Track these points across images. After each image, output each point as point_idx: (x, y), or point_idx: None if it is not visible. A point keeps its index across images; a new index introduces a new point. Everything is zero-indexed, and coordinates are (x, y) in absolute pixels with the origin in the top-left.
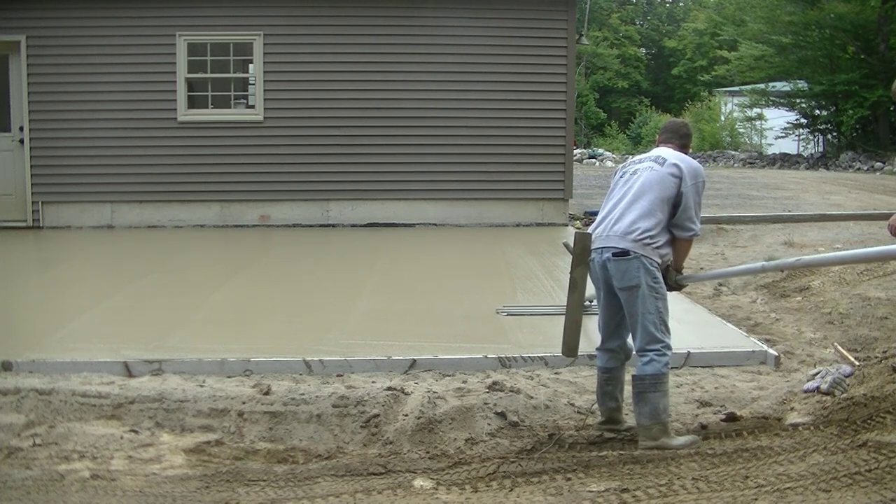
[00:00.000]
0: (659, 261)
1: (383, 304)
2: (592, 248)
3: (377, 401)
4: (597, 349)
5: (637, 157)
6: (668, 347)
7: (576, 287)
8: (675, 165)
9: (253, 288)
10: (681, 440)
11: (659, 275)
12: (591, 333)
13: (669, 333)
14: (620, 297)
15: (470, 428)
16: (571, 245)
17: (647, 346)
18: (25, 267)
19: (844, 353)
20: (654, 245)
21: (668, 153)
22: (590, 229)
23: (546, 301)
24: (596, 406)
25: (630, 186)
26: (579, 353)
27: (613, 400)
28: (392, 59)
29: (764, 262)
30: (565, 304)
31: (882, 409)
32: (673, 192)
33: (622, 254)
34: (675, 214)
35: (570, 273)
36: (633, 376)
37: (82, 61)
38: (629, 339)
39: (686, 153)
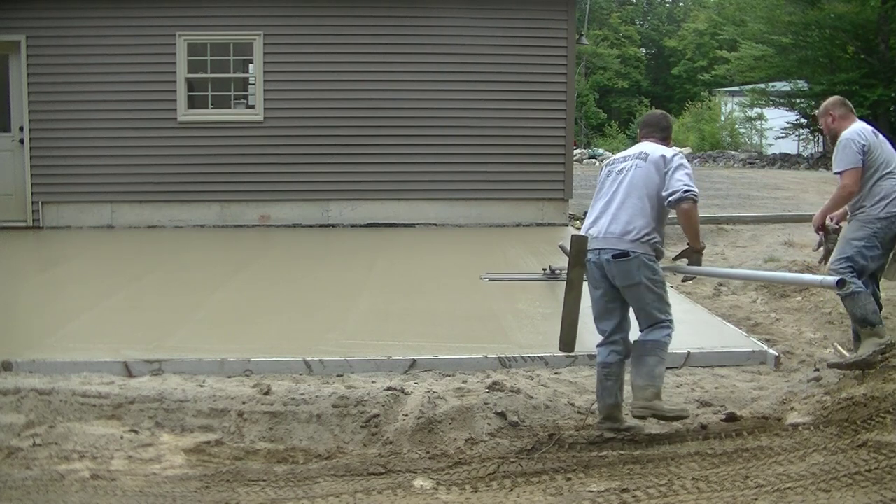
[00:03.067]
0: (654, 253)
1: (383, 304)
2: (589, 248)
3: (377, 401)
4: (597, 346)
5: (621, 155)
6: (672, 322)
7: (572, 287)
8: (660, 157)
9: (253, 288)
10: (673, 407)
11: (657, 266)
12: (590, 331)
13: (670, 308)
14: (623, 292)
15: (470, 428)
16: (567, 248)
17: (657, 322)
18: (25, 267)
19: (844, 353)
20: (651, 241)
21: (650, 148)
22: (583, 228)
23: (546, 301)
24: (595, 406)
25: (619, 185)
26: (580, 353)
27: (613, 397)
28: (392, 59)
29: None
30: (532, 272)
31: (882, 409)
32: (659, 181)
33: (622, 255)
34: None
35: (567, 274)
36: (635, 342)
37: (82, 61)
38: (628, 336)
39: (668, 145)
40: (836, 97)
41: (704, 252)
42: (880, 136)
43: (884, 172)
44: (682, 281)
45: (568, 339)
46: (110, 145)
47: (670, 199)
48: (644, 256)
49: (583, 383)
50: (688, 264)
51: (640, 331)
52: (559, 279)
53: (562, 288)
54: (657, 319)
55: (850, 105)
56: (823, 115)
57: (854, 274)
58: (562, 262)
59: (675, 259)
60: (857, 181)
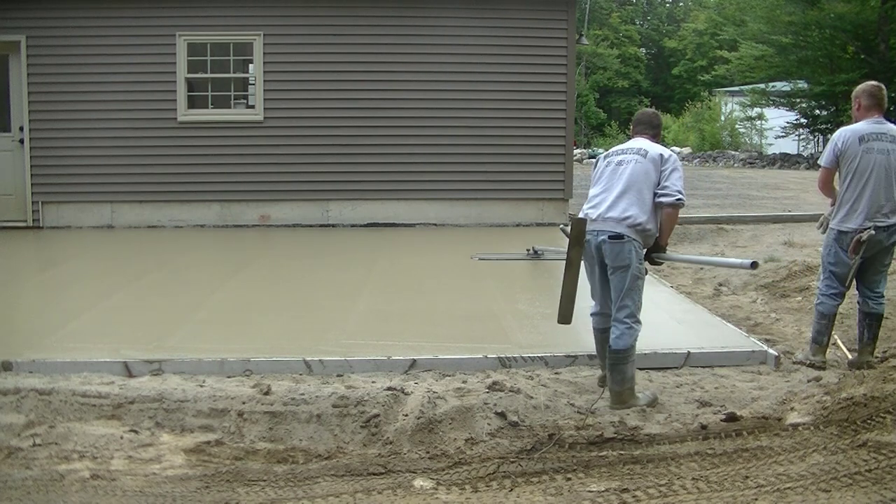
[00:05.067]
0: (643, 243)
1: (383, 304)
2: (588, 230)
3: (377, 401)
4: (591, 314)
5: (620, 148)
6: (640, 322)
7: (571, 265)
8: (658, 155)
9: (253, 288)
10: (643, 397)
11: (643, 258)
12: (588, 329)
13: (641, 307)
14: (611, 274)
15: (470, 428)
16: (568, 230)
17: (625, 317)
18: (25, 267)
19: (845, 350)
20: (644, 231)
21: (647, 145)
22: (581, 212)
23: (546, 301)
24: (596, 406)
25: (620, 176)
26: (580, 353)
27: None
28: (392, 59)
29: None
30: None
31: (882, 409)
32: (655, 178)
33: (617, 237)
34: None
35: (567, 253)
36: (610, 349)
37: (82, 61)
38: None
39: (658, 141)
40: (870, 85)
41: (705, 252)
42: (878, 141)
43: (851, 181)
44: (651, 263)
45: (565, 312)
46: (110, 145)
47: (663, 199)
48: (636, 243)
49: (583, 383)
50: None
51: (613, 318)
52: (541, 258)
53: (552, 276)
54: (631, 312)
55: (882, 97)
56: (853, 101)
57: (836, 286)
58: (545, 243)
59: (651, 261)
60: (824, 180)
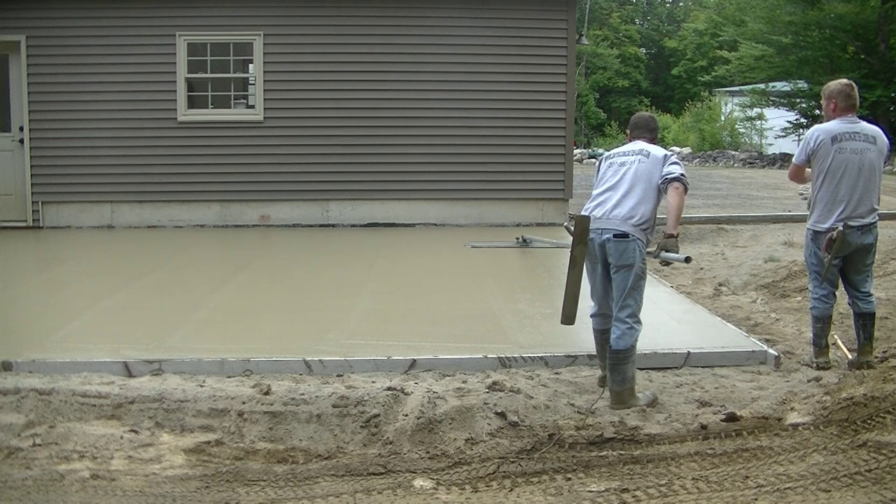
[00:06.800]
0: (646, 241)
1: (383, 304)
2: (592, 228)
3: (377, 401)
4: (591, 315)
5: (622, 150)
6: (640, 322)
7: (575, 264)
8: (661, 156)
9: (253, 288)
10: (643, 397)
11: (645, 257)
12: (588, 329)
13: (641, 308)
14: (614, 273)
15: (470, 428)
16: (572, 228)
17: (627, 317)
18: (25, 267)
19: (845, 350)
20: (647, 230)
21: (649, 147)
22: (585, 210)
23: (546, 301)
24: (596, 406)
25: (623, 176)
26: (580, 353)
27: None
28: (392, 59)
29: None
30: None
31: (882, 409)
32: (658, 177)
33: (623, 236)
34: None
35: (571, 251)
36: (611, 350)
37: (82, 61)
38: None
39: (656, 144)
40: (844, 84)
41: (705, 252)
42: (852, 141)
43: (824, 181)
44: (661, 263)
45: (569, 312)
46: (110, 145)
47: (666, 177)
48: (640, 242)
49: (583, 383)
50: (667, 250)
51: (614, 318)
52: (529, 246)
53: (552, 276)
54: (633, 312)
55: (856, 96)
56: (826, 99)
57: (824, 286)
58: (534, 233)
59: (655, 255)
60: (795, 174)
